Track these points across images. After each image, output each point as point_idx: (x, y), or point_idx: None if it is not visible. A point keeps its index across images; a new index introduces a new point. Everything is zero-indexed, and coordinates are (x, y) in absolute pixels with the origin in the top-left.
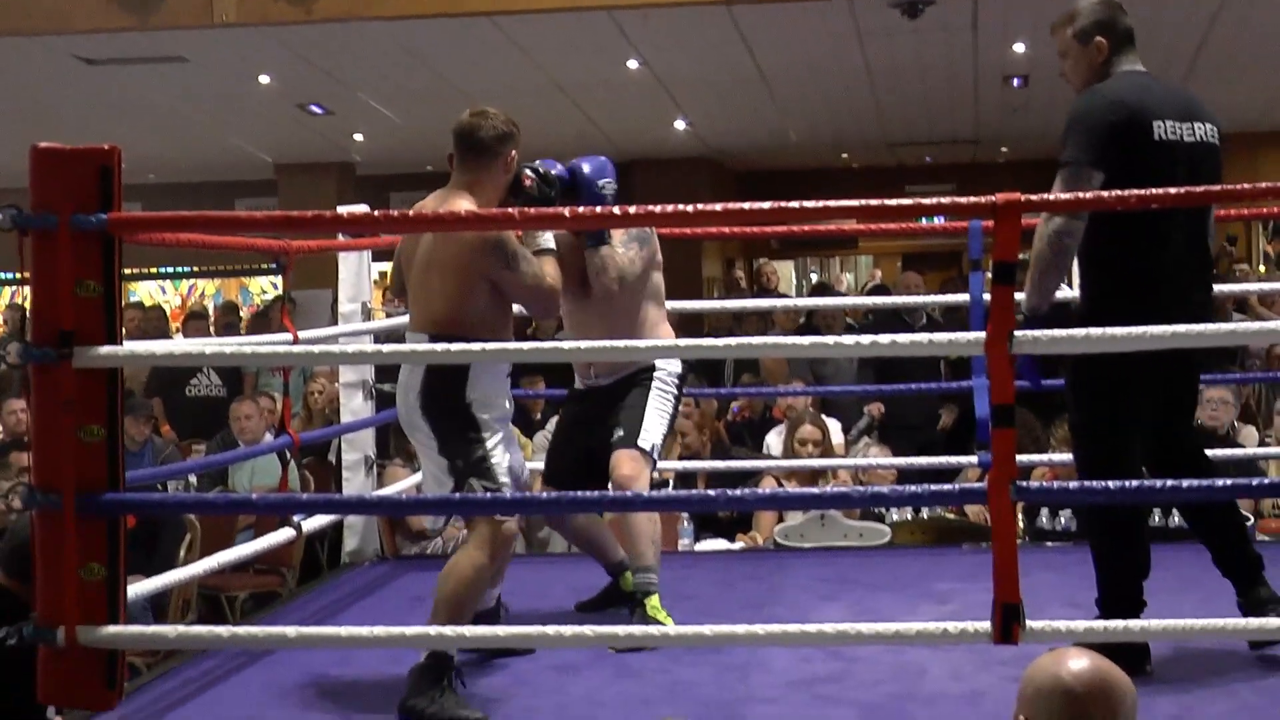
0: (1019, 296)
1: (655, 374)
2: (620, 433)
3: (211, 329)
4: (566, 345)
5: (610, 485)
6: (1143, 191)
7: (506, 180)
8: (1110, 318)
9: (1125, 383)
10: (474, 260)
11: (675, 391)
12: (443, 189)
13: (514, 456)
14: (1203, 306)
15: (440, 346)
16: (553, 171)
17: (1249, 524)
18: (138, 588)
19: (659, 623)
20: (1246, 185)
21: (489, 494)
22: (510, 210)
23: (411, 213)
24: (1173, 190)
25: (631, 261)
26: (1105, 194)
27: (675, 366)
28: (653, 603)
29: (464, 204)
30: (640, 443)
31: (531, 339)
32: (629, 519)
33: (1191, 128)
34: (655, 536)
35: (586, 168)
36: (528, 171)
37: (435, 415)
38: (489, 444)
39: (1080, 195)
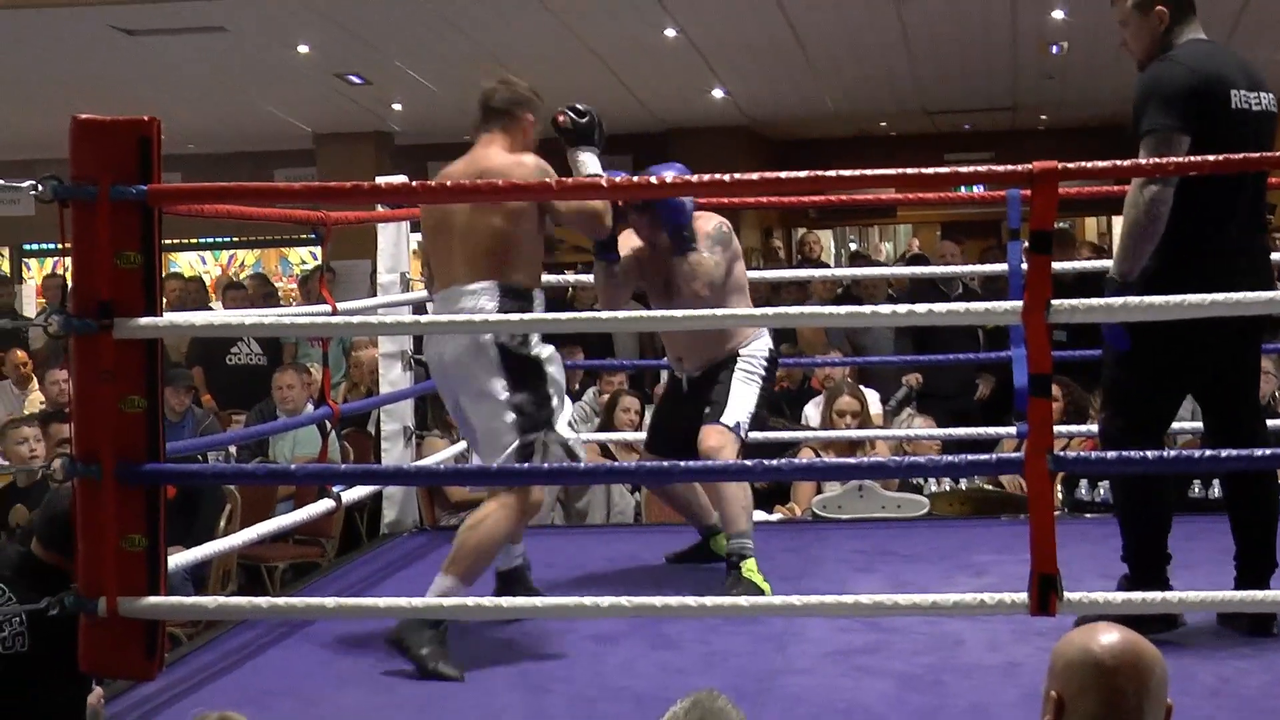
0: (1091, 264)
1: (740, 358)
2: (708, 410)
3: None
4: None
5: (699, 457)
6: (1211, 158)
7: (527, 143)
8: (1178, 285)
9: (1169, 351)
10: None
11: (763, 371)
12: (468, 154)
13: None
14: (1265, 275)
15: (479, 317)
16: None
17: None
18: (178, 558)
19: (756, 585)
20: None
21: (552, 449)
22: (547, 180)
23: (448, 176)
24: (1243, 155)
25: (717, 265)
26: (1140, 162)
27: (763, 350)
28: (749, 565)
29: (497, 154)
30: (724, 419)
31: (570, 307)
32: (722, 487)
33: (1258, 97)
34: (747, 504)
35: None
36: (563, 109)
37: (510, 365)
38: (554, 400)
39: (1114, 164)
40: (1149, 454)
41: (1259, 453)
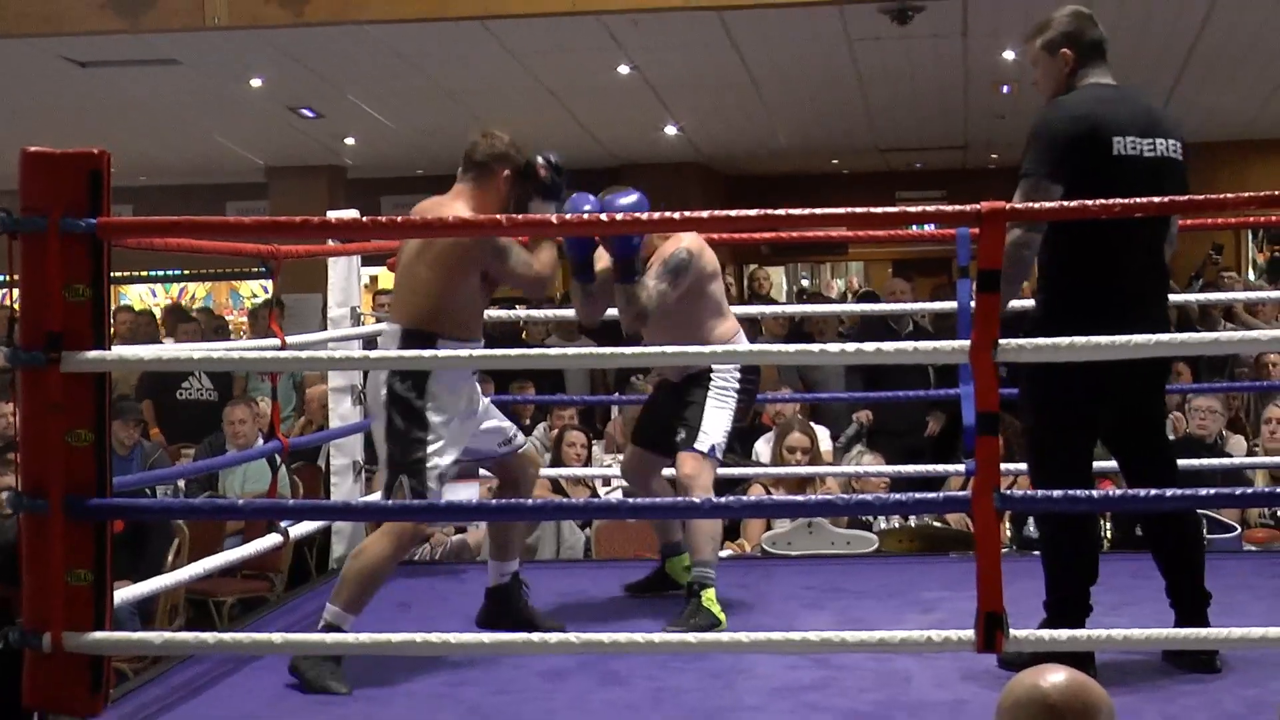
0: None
1: (714, 375)
2: (682, 434)
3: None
4: (553, 352)
5: (677, 483)
6: (1122, 200)
7: (500, 198)
8: (1066, 329)
9: (1075, 392)
10: (468, 253)
11: (736, 388)
12: (441, 195)
13: (459, 451)
14: (1159, 321)
15: (429, 353)
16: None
17: (1235, 534)
18: (125, 593)
19: (713, 615)
20: (1227, 195)
21: (412, 493)
22: (497, 216)
23: (412, 214)
24: (1145, 200)
25: (663, 295)
26: (1086, 203)
27: (737, 367)
28: (709, 595)
29: (458, 206)
30: (698, 445)
31: (521, 344)
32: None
33: (1153, 143)
34: (716, 534)
35: (622, 200)
36: (541, 160)
37: (393, 404)
38: (430, 447)
39: (1061, 204)
40: (1093, 493)
41: (1202, 492)
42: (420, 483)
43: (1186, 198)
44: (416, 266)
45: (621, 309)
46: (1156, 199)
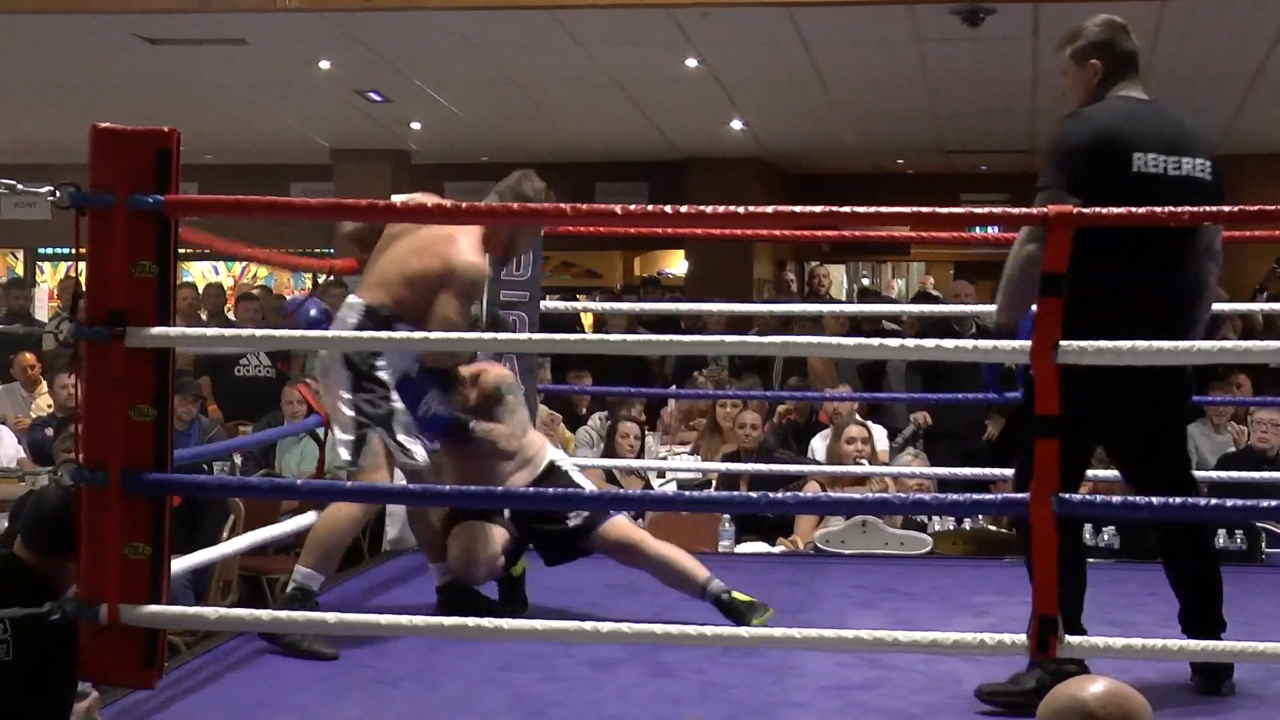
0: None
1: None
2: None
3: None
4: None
5: None
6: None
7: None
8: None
9: (1090, 409)
10: (452, 271)
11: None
12: None
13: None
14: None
15: (489, 335)
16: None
17: None
18: (179, 563)
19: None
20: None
21: (388, 443)
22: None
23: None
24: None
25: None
26: (1154, 210)
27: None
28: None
29: (463, 239)
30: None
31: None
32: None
33: (1178, 161)
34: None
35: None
36: None
37: (351, 368)
38: (393, 401)
39: (1129, 211)
40: (1152, 500)
41: (1263, 504)
42: (390, 433)
43: (1238, 208)
44: (410, 258)
45: (486, 456)
46: (1213, 209)
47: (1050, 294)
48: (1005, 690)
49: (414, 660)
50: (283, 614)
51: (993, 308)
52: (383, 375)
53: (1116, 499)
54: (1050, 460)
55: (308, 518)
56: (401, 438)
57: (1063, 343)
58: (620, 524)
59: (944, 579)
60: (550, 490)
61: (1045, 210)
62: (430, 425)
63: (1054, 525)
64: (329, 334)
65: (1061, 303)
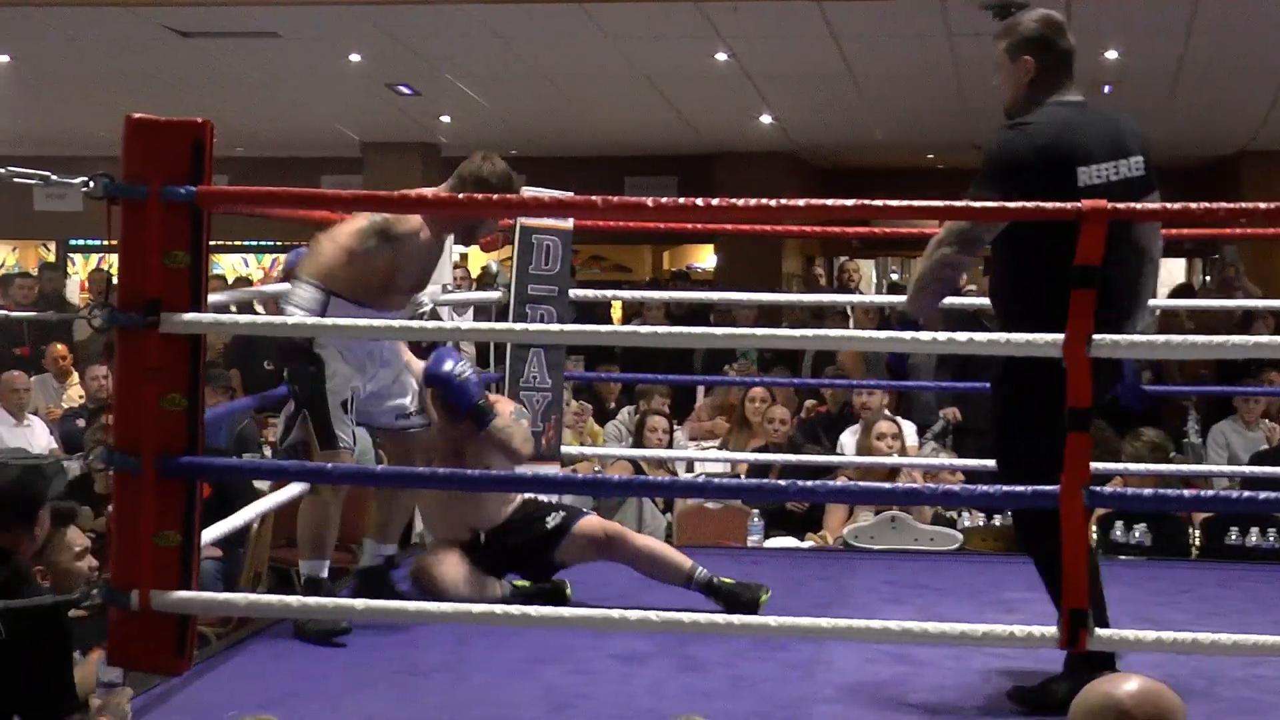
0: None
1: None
2: None
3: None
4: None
5: None
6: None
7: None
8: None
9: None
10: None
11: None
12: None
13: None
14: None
15: (536, 326)
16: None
17: None
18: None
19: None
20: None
21: (315, 424)
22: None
23: None
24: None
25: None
26: (1189, 205)
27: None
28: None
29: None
30: None
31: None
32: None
33: (1117, 166)
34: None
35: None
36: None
37: (290, 350)
38: (328, 382)
39: (1162, 206)
40: (1184, 494)
41: None
42: (321, 415)
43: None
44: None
45: (507, 445)
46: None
47: (1083, 287)
48: (1036, 698)
49: (443, 651)
50: (311, 601)
51: None
52: (320, 352)
53: (1146, 492)
54: (1081, 452)
55: (286, 492)
56: (335, 414)
57: (1096, 337)
58: (595, 520)
59: (974, 575)
60: (556, 474)
61: (1079, 205)
62: (457, 390)
63: (1084, 517)
64: (361, 323)
65: (1094, 295)
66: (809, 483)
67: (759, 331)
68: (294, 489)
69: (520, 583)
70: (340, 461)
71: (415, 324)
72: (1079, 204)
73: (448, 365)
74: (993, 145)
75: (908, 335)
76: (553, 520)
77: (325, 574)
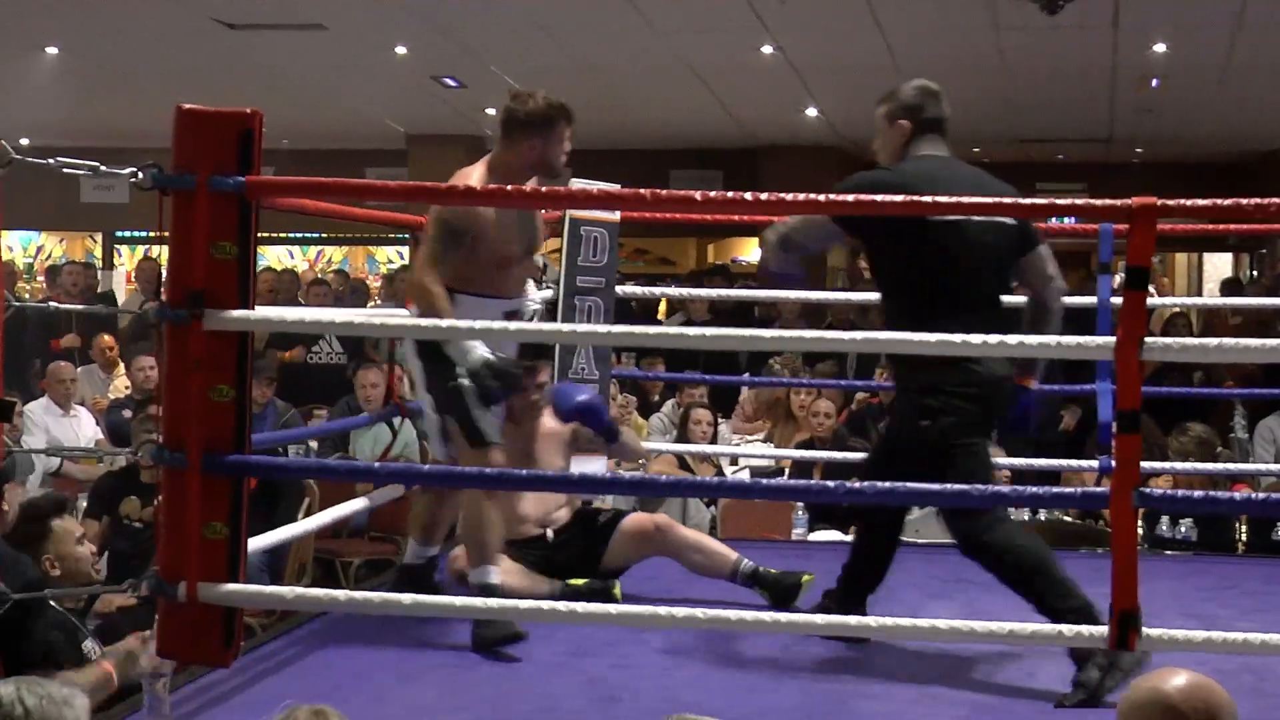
0: None
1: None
2: None
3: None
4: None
5: None
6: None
7: (524, 163)
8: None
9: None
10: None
11: None
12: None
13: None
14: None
15: (566, 327)
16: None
17: None
18: (255, 542)
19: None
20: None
21: (461, 427)
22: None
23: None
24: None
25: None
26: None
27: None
28: None
29: (475, 173)
30: None
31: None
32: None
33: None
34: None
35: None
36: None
37: (423, 357)
38: (462, 379)
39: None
40: (1234, 495)
41: None
42: (464, 415)
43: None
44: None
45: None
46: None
47: (1136, 287)
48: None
49: None
50: (358, 594)
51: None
52: (449, 352)
53: (1197, 493)
54: (1133, 453)
55: (382, 494)
56: (477, 414)
57: (1148, 339)
58: (642, 514)
59: None
60: (625, 475)
61: (1130, 202)
62: (597, 415)
63: (1133, 517)
64: (404, 321)
65: (1145, 296)
66: (856, 483)
67: (808, 334)
68: (391, 490)
69: (575, 581)
70: (493, 458)
71: (464, 324)
72: (1129, 201)
73: (582, 397)
74: (858, 176)
75: (958, 338)
76: (603, 517)
77: (493, 579)
